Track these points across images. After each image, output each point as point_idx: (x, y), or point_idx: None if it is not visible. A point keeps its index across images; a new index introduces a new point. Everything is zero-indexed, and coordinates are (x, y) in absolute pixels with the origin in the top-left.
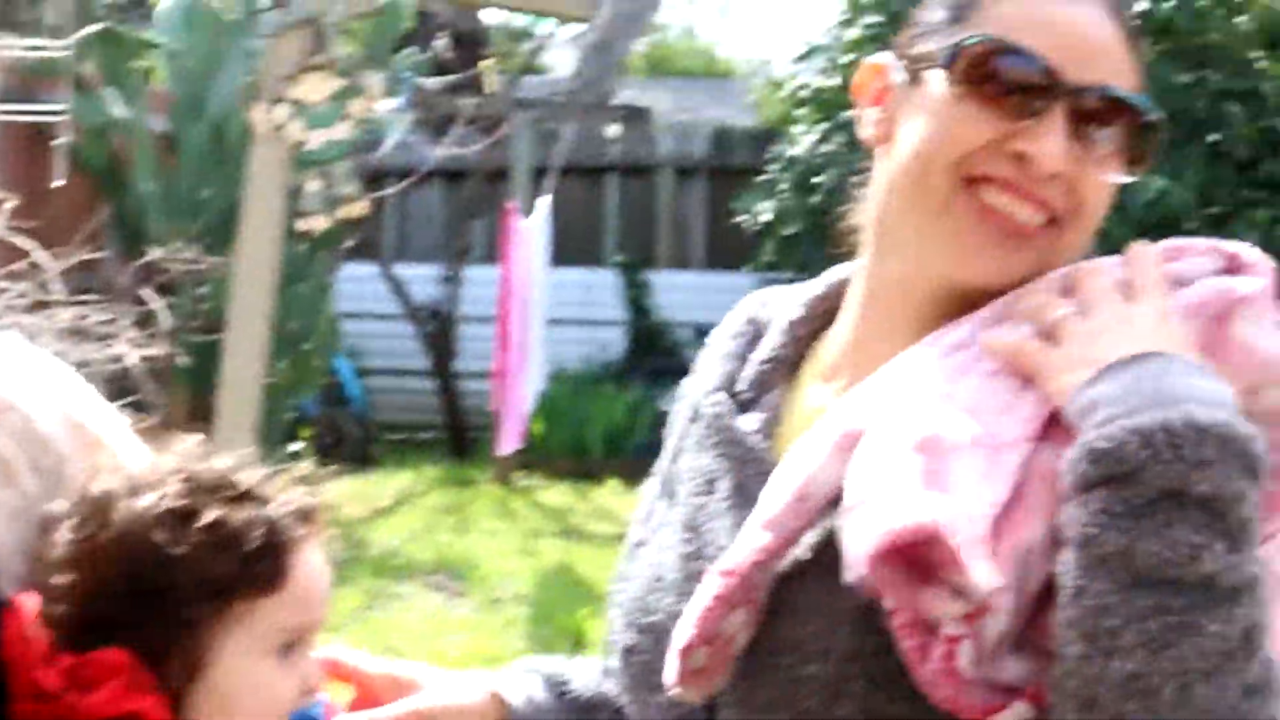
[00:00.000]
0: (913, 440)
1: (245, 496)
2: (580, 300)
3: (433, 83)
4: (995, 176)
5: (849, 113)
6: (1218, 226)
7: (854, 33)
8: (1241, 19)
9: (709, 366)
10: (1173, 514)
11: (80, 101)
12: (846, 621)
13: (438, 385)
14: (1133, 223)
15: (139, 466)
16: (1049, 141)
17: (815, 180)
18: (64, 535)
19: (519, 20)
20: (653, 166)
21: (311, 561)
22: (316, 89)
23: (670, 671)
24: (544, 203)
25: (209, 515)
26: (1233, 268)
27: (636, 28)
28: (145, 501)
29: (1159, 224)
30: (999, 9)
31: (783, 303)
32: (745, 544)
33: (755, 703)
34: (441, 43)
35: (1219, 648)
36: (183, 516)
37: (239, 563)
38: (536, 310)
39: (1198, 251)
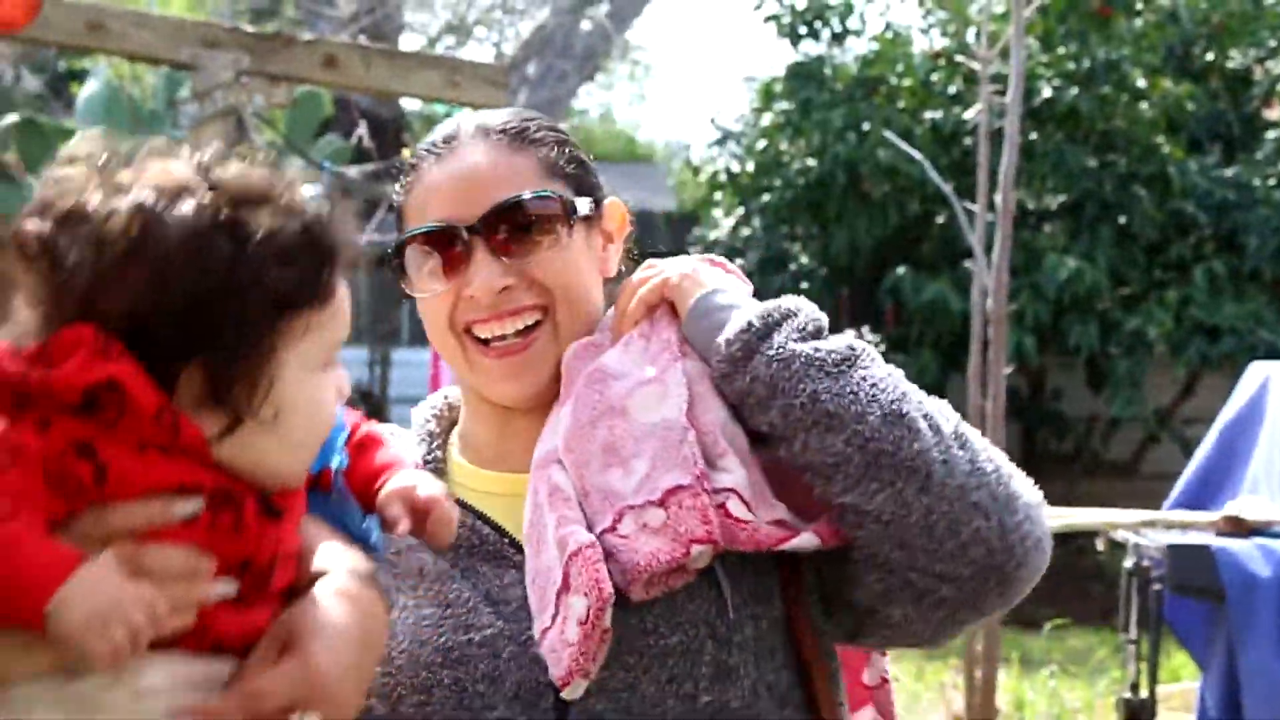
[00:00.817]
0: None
1: (287, 207)
2: None
3: (353, 170)
4: (474, 319)
5: (766, 196)
6: (1129, 306)
7: (767, 118)
8: (1145, 105)
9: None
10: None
11: (2, 189)
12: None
13: None
14: (1048, 301)
15: (152, 173)
16: (476, 276)
17: (736, 263)
18: (102, 251)
19: (437, 108)
20: None
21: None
22: (236, 175)
23: (556, 670)
24: None
25: (261, 226)
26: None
27: (552, 115)
28: (187, 212)
29: (1073, 303)
30: (415, 193)
31: (417, 416)
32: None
33: (614, 685)
34: (361, 131)
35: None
36: (230, 228)
37: (299, 276)
38: None
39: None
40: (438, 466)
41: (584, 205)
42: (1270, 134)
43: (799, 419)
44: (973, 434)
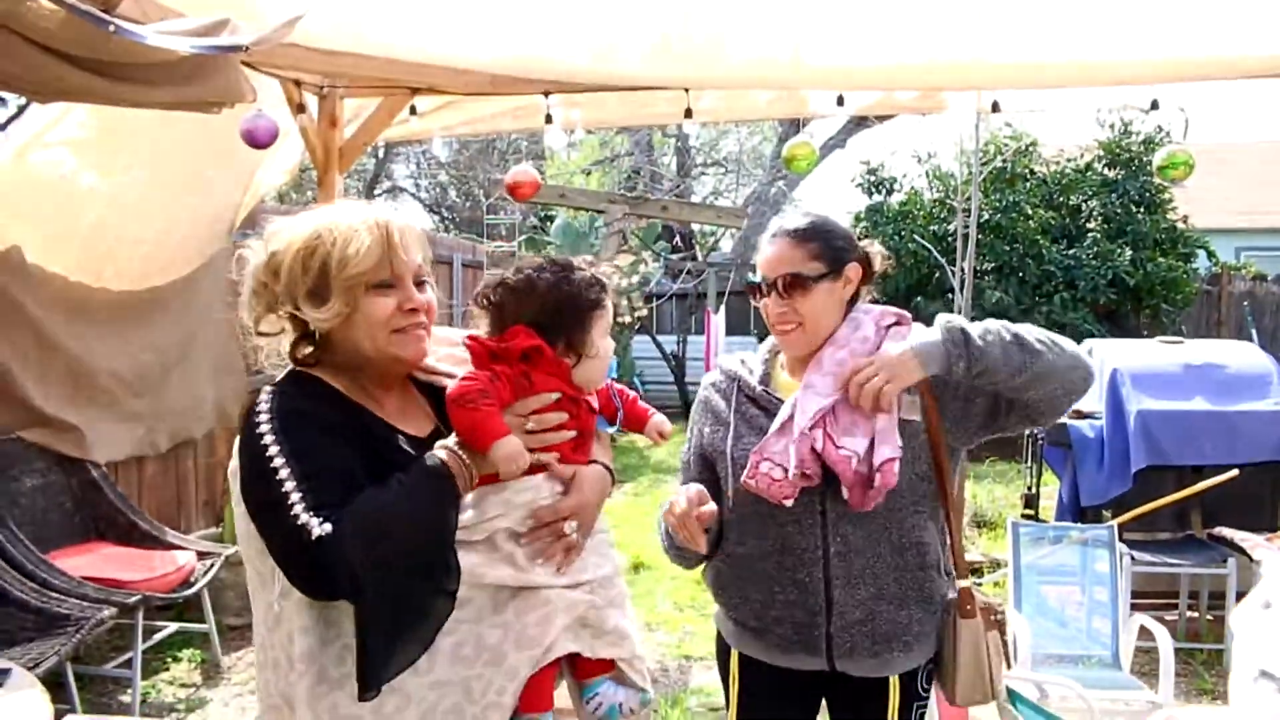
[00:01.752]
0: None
1: (577, 268)
2: None
3: (674, 255)
4: (773, 323)
5: None
6: (1023, 316)
7: (857, 230)
8: (1031, 222)
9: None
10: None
11: None
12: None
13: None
14: (985, 312)
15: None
16: (772, 305)
17: None
18: (519, 292)
19: (709, 227)
20: None
21: (609, 295)
22: (623, 260)
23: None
24: (721, 310)
25: (582, 280)
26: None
27: (763, 224)
28: (551, 277)
29: (996, 313)
30: (759, 257)
31: (751, 356)
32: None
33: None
34: (677, 239)
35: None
36: (571, 281)
37: (594, 297)
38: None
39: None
40: (769, 370)
41: (819, 268)
42: (1089, 232)
43: (1001, 369)
44: (1054, 336)
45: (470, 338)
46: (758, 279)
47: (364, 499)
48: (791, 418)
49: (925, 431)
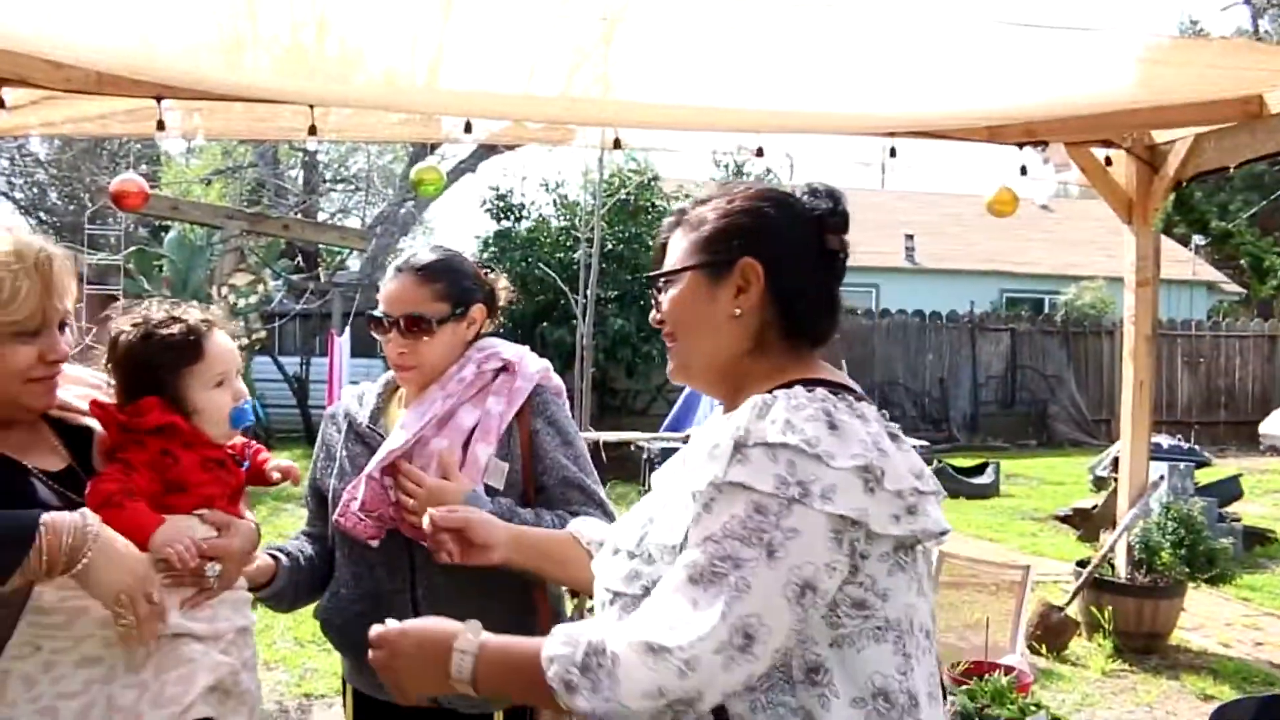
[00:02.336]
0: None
1: (174, 320)
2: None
3: (295, 276)
4: (395, 362)
5: None
6: (645, 341)
7: (484, 256)
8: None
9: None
10: None
11: (128, 283)
12: None
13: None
14: (609, 338)
15: (124, 320)
16: (392, 346)
17: None
18: (110, 351)
19: (336, 248)
20: None
21: (217, 340)
22: (241, 279)
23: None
24: (346, 332)
25: (175, 331)
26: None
27: (391, 245)
28: (131, 334)
29: (619, 339)
30: (383, 291)
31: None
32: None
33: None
34: (299, 259)
35: None
36: (146, 337)
37: (178, 350)
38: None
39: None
40: (381, 405)
41: (444, 310)
42: None
43: None
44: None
45: (95, 403)
46: (379, 313)
47: None
48: None
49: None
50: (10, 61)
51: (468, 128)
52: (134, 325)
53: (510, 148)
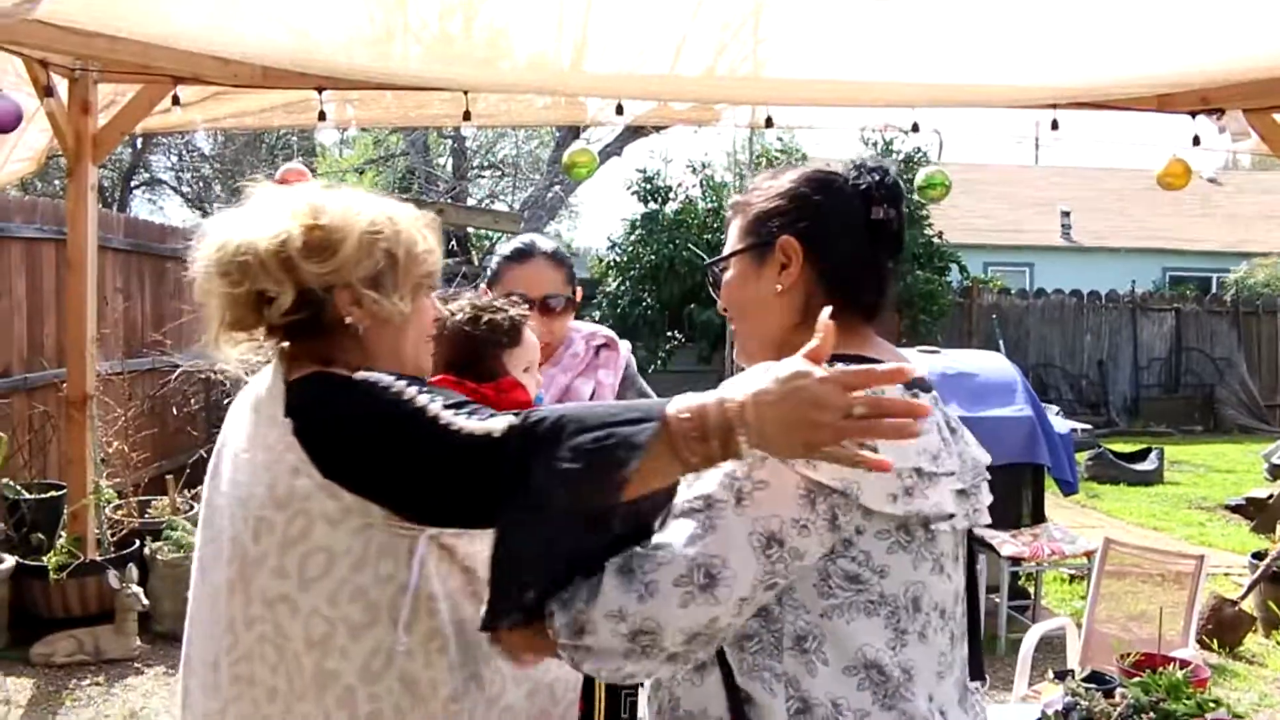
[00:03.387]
0: None
1: (498, 309)
2: None
3: (449, 259)
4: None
5: (632, 271)
6: None
7: (635, 235)
8: None
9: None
10: None
11: None
12: None
13: None
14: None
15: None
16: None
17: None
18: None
19: (485, 232)
20: None
21: (528, 330)
22: None
23: None
24: None
25: (487, 316)
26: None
27: (540, 229)
28: (461, 316)
29: None
30: (506, 277)
31: None
32: None
33: None
34: (451, 240)
35: None
36: (474, 319)
37: (502, 333)
38: None
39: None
40: None
41: (569, 292)
42: None
43: None
44: None
45: (448, 379)
46: (518, 294)
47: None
48: None
49: None
50: (186, 60)
51: (619, 109)
52: (464, 310)
53: (658, 129)
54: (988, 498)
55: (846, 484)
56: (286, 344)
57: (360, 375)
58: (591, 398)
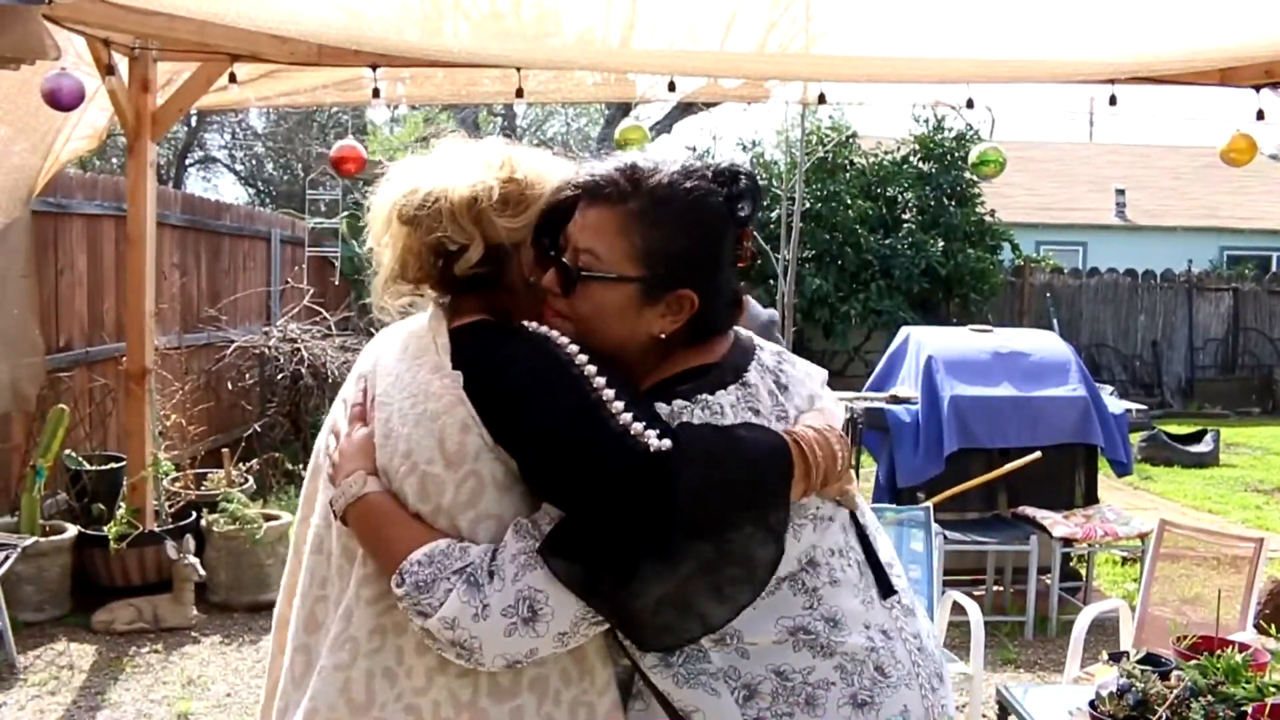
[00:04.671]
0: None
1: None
2: None
3: None
4: None
5: None
6: (842, 300)
7: None
8: (850, 212)
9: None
10: None
11: (343, 246)
12: None
13: None
14: (806, 299)
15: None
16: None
17: None
18: None
19: None
20: None
21: None
22: None
23: None
24: None
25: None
26: None
27: None
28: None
29: (816, 300)
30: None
31: None
32: None
33: None
34: None
35: None
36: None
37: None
38: None
39: None
40: None
41: None
42: (905, 222)
43: None
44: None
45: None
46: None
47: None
48: None
49: None
50: (243, 39)
51: (671, 86)
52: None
53: (708, 105)
54: (840, 412)
55: None
56: (449, 298)
57: (537, 329)
58: None
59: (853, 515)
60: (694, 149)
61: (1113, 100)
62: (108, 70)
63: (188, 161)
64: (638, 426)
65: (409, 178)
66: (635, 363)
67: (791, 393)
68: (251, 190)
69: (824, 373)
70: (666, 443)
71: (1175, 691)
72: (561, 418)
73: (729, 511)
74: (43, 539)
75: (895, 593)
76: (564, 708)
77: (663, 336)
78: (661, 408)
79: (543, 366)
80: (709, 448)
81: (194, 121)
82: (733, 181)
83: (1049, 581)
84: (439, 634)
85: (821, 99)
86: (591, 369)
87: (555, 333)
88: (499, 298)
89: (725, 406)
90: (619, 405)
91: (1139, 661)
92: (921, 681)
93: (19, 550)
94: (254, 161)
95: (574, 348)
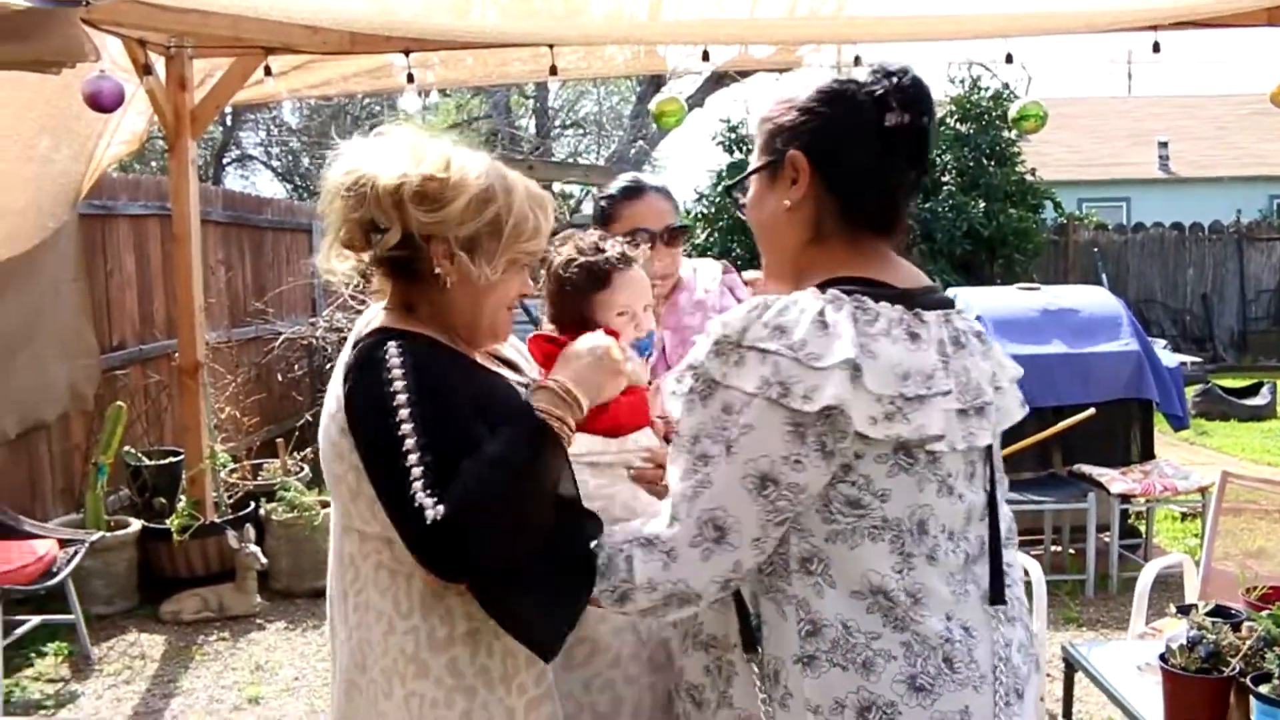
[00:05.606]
0: None
1: (597, 250)
2: None
3: None
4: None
5: (720, 223)
6: None
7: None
8: None
9: None
10: None
11: None
12: None
13: None
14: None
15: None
16: (657, 259)
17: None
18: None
19: (570, 189)
20: None
21: (629, 274)
22: None
23: None
24: None
25: (580, 259)
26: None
27: None
28: (559, 258)
29: None
30: (624, 215)
31: None
32: None
33: None
34: None
35: None
36: (568, 262)
37: (590, 277)
38: None
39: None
40: None
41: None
42: (944, 185)
43: None
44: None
45: (541, 337)
46: (643, 228)
47: (469, 468)
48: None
49: None
50: (276, 31)
51: (705, 56)
52: (565, 251)
53: (742, 74)
54: (1016, 413)
55: (843, 402)
56: (381, 276)
57: (389, 355)
58: None
59: (992, 516)
60: (727, 120)
61: (1156, 47)
62: (145, 70)
63: (225, 160)
64: (419, 493)
65: (353, 158)
66: (801, 266)
67: (968, 351)
68: (289, 185)
69: (1018, 370)
70: (441, 510)
71: (1249, 642)
72: (373, 456)
73: (529, 531)
74: (108, 534)
75: (1004, 603)
76: (496, 658)
77: (787, 204)
78: (805, 296)
79: (369, 404)
80: (483, 493)
81: (229, 121)
82: (873, 71)
83: (1108, 539)
84: (651, 601)
85: (857, 61)
86: (405, 413)
87: (396, 361)
88: (413, 288)
89: (881, 316)
90: (413, 459)
91: (1208, 614)
92: (997, 691)
93: (87, 545)
94: (290, 157)
95: (400, 384)
